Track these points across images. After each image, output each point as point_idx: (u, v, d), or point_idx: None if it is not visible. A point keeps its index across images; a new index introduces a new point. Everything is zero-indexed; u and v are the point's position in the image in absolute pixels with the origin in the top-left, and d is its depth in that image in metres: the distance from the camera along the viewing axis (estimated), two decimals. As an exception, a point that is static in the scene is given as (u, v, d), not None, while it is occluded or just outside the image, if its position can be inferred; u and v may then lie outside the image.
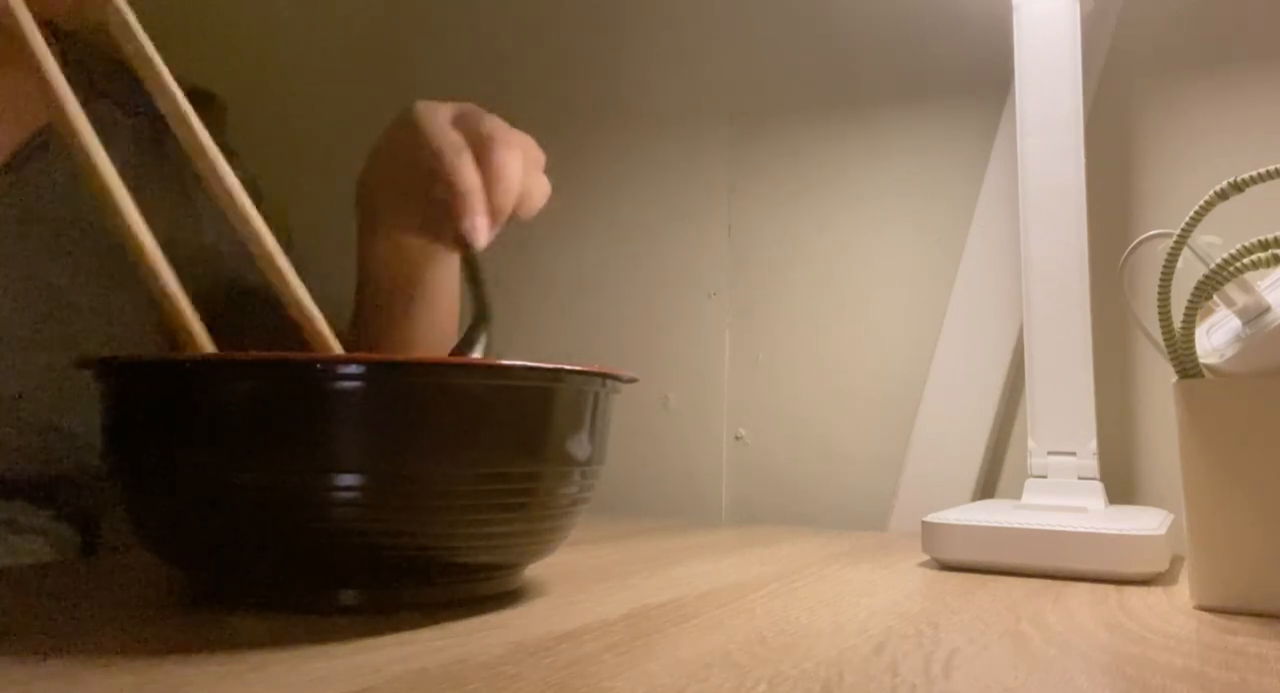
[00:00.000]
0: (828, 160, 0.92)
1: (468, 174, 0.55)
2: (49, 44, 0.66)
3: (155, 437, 0.41)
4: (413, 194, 0.58)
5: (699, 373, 0.96)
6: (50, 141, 0.62)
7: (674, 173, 0.98)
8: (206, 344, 0.44)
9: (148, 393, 0.41)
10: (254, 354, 0.39)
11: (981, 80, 0.85)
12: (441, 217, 0.56)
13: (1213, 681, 0.35)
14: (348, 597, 0.41)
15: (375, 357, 0.43)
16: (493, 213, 0.55)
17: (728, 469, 0.94)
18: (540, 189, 0.59)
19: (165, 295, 0.44)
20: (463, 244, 0.55)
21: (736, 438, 0.94)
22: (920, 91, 0.89)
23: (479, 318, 0.54)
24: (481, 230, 0.54)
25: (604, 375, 0.45)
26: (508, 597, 0.46)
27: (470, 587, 0.44)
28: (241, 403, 0.39)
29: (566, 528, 0.46)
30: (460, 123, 0.57)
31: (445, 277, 0.66)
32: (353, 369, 0.39)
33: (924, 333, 0.85)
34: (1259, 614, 0.45)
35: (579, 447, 0.44)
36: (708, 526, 0.85)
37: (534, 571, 0.49)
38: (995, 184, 0.83)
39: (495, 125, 0.57)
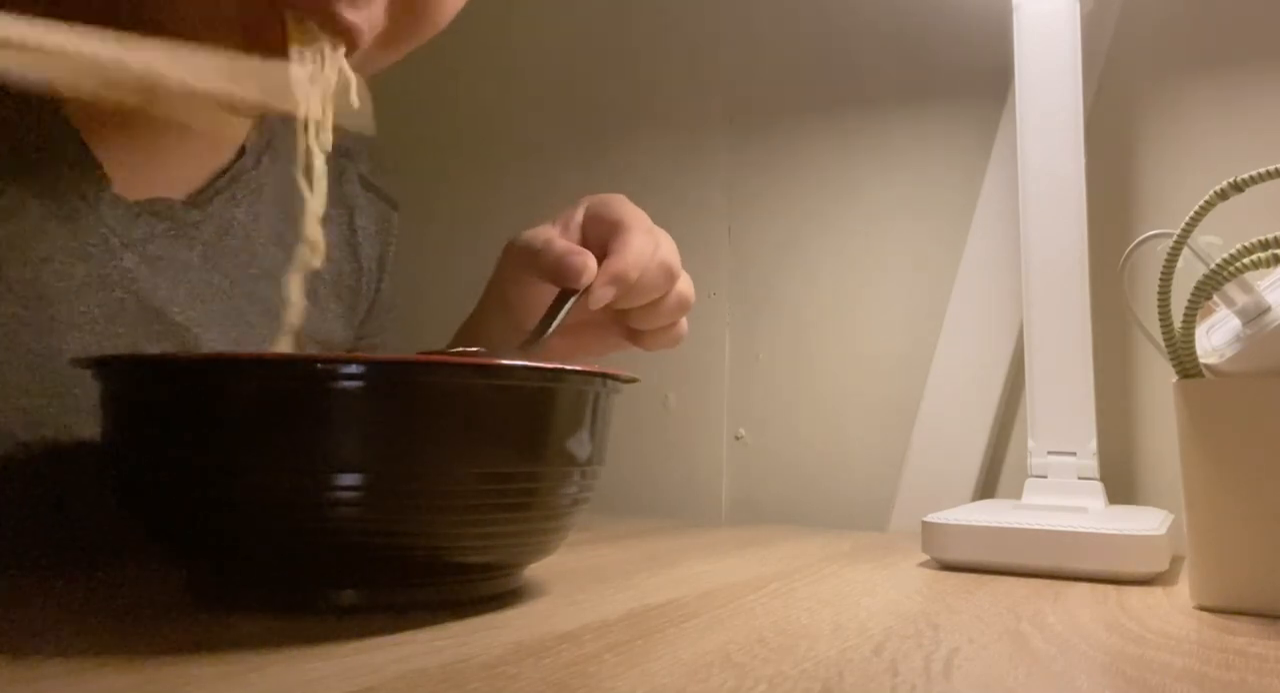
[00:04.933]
0: (828, 160, 0.92)
1: (640, 256, 0.55)
2: None
3: (155, 437, 0.41)
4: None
5: (699, 373, 0.96)
6: (237, 181, 0.60)
7: (674, 173, 0.98)
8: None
9: (148, 393, 0.41)
10: (254, 354, 0.39)
11: (981, 80, 0.85)
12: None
13: (1213, 681, 0.35)
14: (348, 597, 0.41)
15: (375, 357, 0.43)
16: (612, 278, 0.55)
17: (728, 469, 0.94)
18: (679, 330, 0.60)
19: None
20: (573, 281, 0.54)
21: (736, 438, 0.94)
22: (920, 91, 0.89)
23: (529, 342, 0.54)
24: (604, 298, 0.54)
25: (604, 375, 0.45)
26: (508, 597, 0.46)
27: (470, 587, 0.44)
28: (242, 403, 0.39)
29: (566, 528, 0.46)
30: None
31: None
32: (353, 369, 0.39)
33: (924, 333, 0.85)
34: (1259, 614, 0.45)
35: (579, 447, 0.44)
36: (708, 525, 0.85)
37: (534, 571, 0.49)
38: (995, 184, 0.83)
39: (672, 249, 0.59)
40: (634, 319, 0.59)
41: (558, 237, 0.57)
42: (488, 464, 0.40)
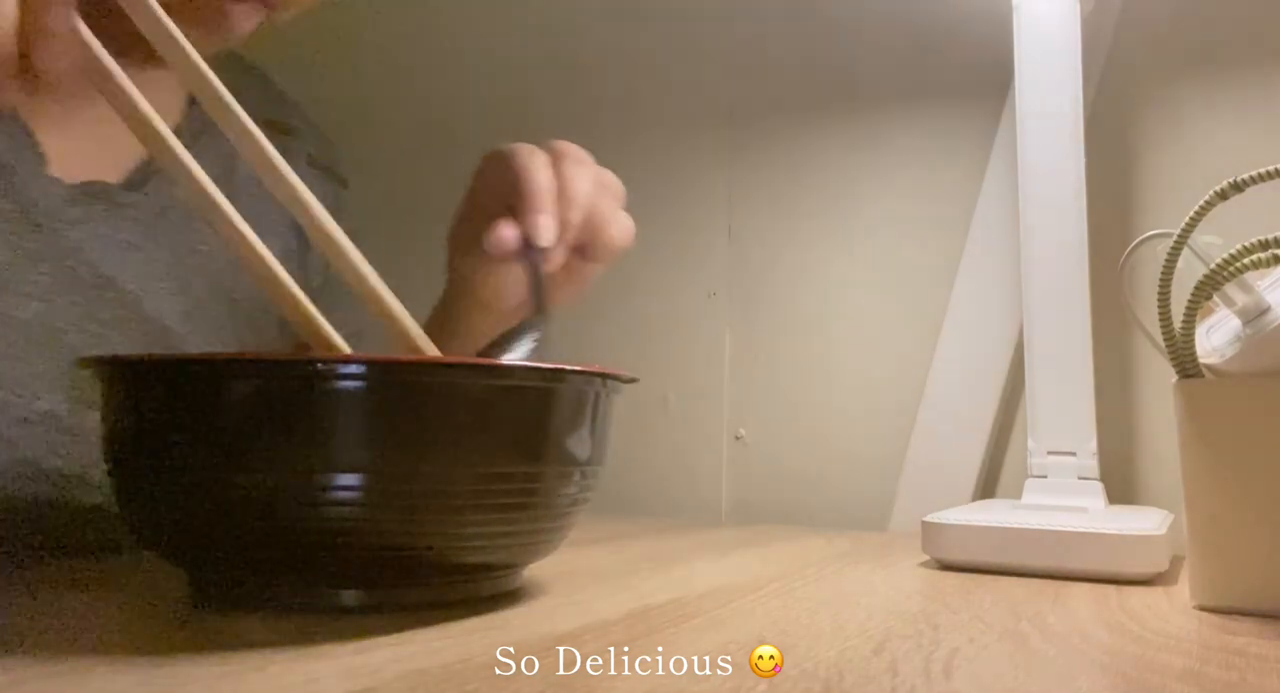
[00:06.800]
0: (828, 160, 0.92)
1: (538, 174, 0.54)
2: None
3: (155, 437, 0.41)
4: (492, 212, 0.56)
5: (699, 373, 0.95)
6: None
7: (674, 173, 0.98)
8: (341, 345, 0.43)
9: (148, 393, 0.41)
10: (254, 354, 0.39)
11: (981, 80, 0.85)
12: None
13: (1213, 681, 0.35)
14: (347, 597, 0.41)
15: (375, 357, 0.42)
16: (561, 224, 0.53)
17: (728, 469, 0.94)
18: (620, 225, 0.58)
19: (286, 299, 0.42)
20: (526, 244, 0.53)
21: (736, 438, 0.94)
22: (920, 91, 0.89)
23: (533, 317, 0.53)
24: (546, 228, 0.52)
25: (604, 375, 0.45)
26: (508, 597, 0.46)
27: (470, 587, 0.44)
28: (241, 403, 0.39)
29: (566, 528, 0.46)
30: (542, 145, 0.57)
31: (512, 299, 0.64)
32: (353, 369, 0.39)
33: (924, 333, 0.85)
34: (1259, 614, 0.45)
35: (579, 447, 0.44)
36: (708, 525, 0.85)
37: (534, 571, 0.49)
38: (995, 184, 0.83)
39: (571, 147, 0.57)
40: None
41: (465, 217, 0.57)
42: (488, 464, 0.40)
